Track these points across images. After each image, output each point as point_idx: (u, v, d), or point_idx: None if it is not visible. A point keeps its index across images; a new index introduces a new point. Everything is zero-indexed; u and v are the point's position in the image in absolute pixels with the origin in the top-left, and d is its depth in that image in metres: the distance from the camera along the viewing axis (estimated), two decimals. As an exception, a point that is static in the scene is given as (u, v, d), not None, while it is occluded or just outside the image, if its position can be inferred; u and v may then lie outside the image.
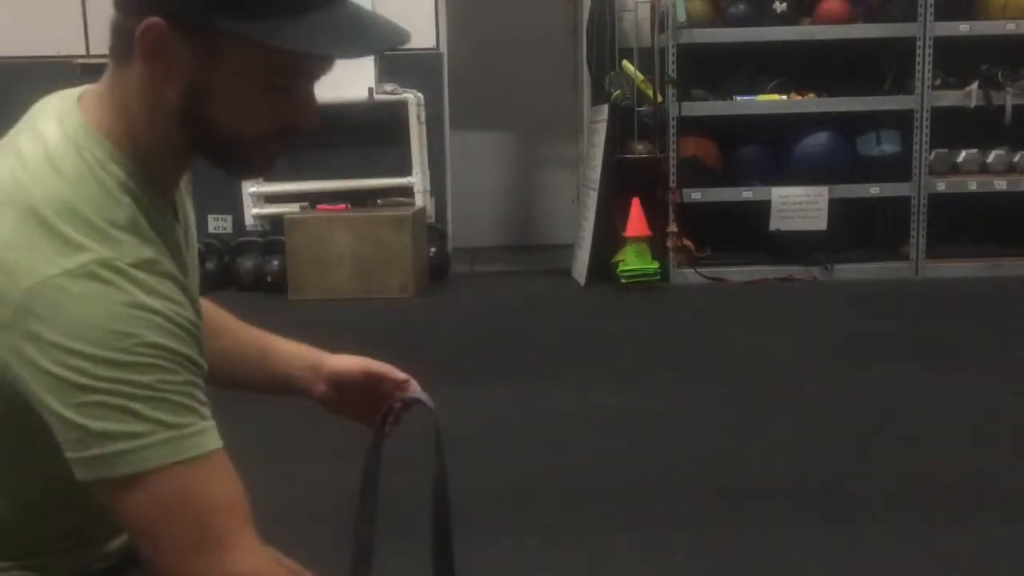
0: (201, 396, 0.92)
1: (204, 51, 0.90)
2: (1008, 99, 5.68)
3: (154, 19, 0.88)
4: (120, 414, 0.85)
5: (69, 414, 0.85)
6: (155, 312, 0.87)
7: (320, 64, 0.95)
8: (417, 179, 6.13)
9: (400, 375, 1.27)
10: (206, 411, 0.92)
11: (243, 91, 0.92)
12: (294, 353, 1.27)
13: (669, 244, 5.78)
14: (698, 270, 5.82)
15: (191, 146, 0.96)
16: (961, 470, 2.79)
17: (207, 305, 1.24)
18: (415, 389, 1.27)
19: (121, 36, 0.92)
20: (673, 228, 5.78)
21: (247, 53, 0.89)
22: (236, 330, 1.27)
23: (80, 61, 6.16)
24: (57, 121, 0.94)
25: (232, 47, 0.89)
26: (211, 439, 0.90)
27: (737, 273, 5.80)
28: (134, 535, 0.91)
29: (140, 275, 0.88)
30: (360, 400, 1.27)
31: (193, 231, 1.11)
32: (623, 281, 5.55)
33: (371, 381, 1.26)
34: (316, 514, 2.46)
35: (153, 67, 0.90)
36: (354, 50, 0.94)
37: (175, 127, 0.93)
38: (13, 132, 0.97)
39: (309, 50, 0.91)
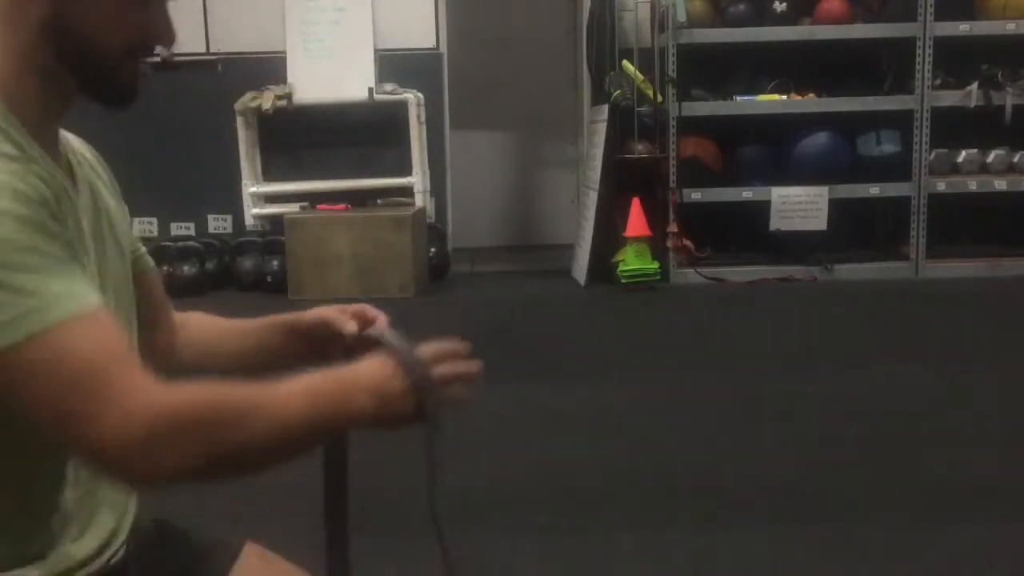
0: (63, 256, 0.89)
1: None
2: (1008, 99, 5.68)
3: None
4: None
5: None
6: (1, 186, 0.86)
7: None
8: (417, 179, 6.13)
9: (351, 324, 1.21)
10: (74, 273, 0.89)
11: (101, 1, 0.93)
12: (272, 320, 1.29)
13: (669, 244, 5.78)
14: (698, 270, 5.82)
15: (58, 66, 0.95)
16: (961, 470, 2.79)
17: (200, 318, 1.29)
18: (381, 325, 1.19)
19: None
20: (673, 228, 5.78)
21: None
22: (217, 323, 1.30)
23: (80, 61, 6.15)
24: None
25: None
26: (82, 299, 0.87)
27: (737, 273, 5.79)
28: (33, 417, 0.87)
29: None
30: (318, 345, 1.25)
31: (117, 217, 1.10)
32: (623, 281, 5.55)
33: (326, 326, 1.23)
34: (317, 512, 2.45)
35: None
36: None
37: (40, 45, 0.93)
38: None
39: None
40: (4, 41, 0.94)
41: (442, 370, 1.07)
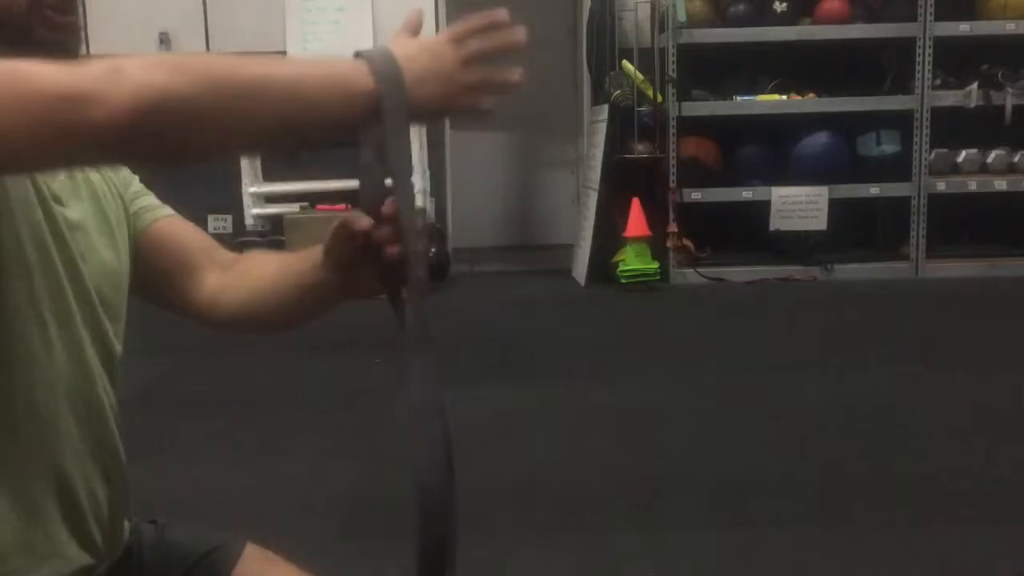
0: None
1: None
2: (1008, 99, 5.68)
3: None
4: None
5: None
6: None
7: None
8: (417, 179, 6.10)
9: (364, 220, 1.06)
10: None
11: None
12: (306, 255, 1.11)
13: (669, 244, 5.78)
14: (698, 270, 5.82)
15: None
16: (961, 470, 2.79)
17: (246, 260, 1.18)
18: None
19: None
20: (673, 228, 5.78)
21: None
22: (264, 263, 1.17)
23: (80, 61, 6.15)
24: None
25: None
26: None
27: (737, 273, 5.80)
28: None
29: None
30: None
31: (90, 187, 1.07)
32: (623, 281, 5.55)
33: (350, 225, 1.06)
34: (317, 513, 2.46)
35: None
36: None
37: None
38: None
39: None
40: None
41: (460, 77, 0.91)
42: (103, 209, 1.07)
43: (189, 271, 1.14)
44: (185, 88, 0.78)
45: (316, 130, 0.88)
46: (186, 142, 0.84)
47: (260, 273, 1.15)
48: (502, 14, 0.97)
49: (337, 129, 0.88)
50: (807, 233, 5.84)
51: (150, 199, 1.16)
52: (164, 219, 1.16)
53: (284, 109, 0.83)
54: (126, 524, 1.10)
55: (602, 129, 5.84)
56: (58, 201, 1.00)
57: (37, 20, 0.93)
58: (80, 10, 0.98)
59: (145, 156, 0.85)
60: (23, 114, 0.74)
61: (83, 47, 0.99)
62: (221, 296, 1.14)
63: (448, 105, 0.94)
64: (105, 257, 1.06)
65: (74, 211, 1.03)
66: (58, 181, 1.02)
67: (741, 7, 5.86)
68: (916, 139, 5.82)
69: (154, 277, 1.14)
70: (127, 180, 1.15)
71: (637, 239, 5.56)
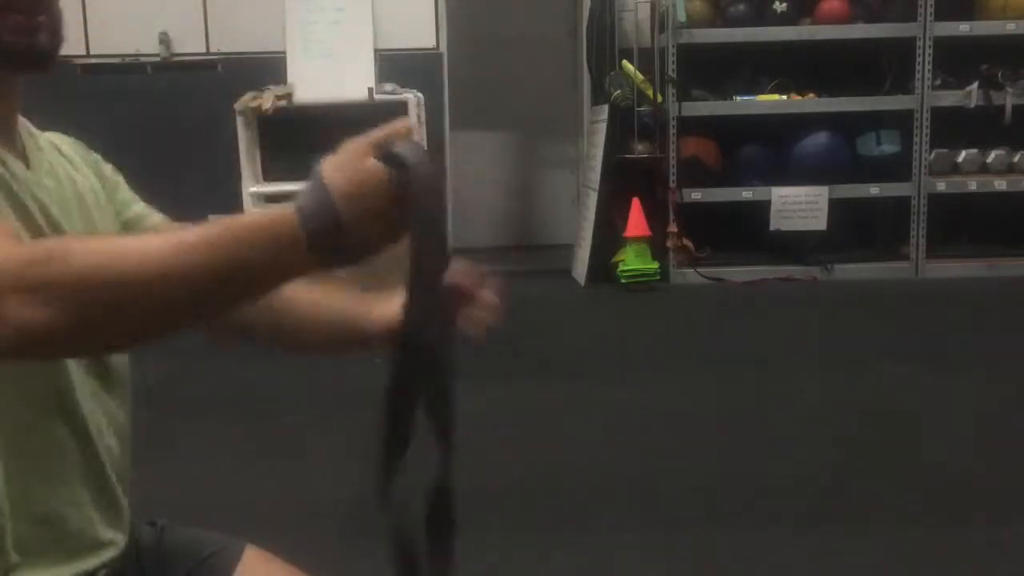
0: None
1: None
2: (1008, 99, 5.68)
3: None
4: None
5: None
6: None
7: None
8: (417, 179, 6.12)
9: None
10: None
11: None
12: (345, 311, 1.21)
13: (669, 244, 5.77)
14: (698, 270, 5.82)
15: None
16: (961, 470, 2.79)
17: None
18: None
19: None
20: (673, 228, 5.78)
21: None
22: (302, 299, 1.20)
23: (80, 61, 6.16)
24: None
25: None
26: None
27: (737, 273, 5.79)
28: None
29: None
30: None
31: (81, 197, 1.08)
32: (623, 281, 5.55)
33: None
34: (317, 514, 2.46)
35: None
36: None
37: None
38: None
39: None
40: None
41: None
42: (95, 225, 1.08)
43: None
44: (68, 317, 0.73)
45: (255, 285, 0.81)
46: (99, 345, 0.81)
47: (300, 298, 1.16)
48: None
49: (283, 275, 0.81)
50: (807, 233, 5.83)
51: (139, 205, 1.17)
52: (160, 225, 1.19)
53: (209, 293, 0.78)
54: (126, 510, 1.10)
55: (602, 129, 5.84)
56: (57, 228, 1.01)
57: (3, 25, 0.93)
58: (53, 7, 0.97)
59: (75, 356, 0.85)
60: None
61: (61, 43, 0.98)
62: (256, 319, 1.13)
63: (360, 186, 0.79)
64: None
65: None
66: (55, 205, 1.02)
67: (741, 7, 5.86)
68: (916, 139, 5.82)
69: None
70: (114, 185, 1.15)
71: (637, 239, 5.56)
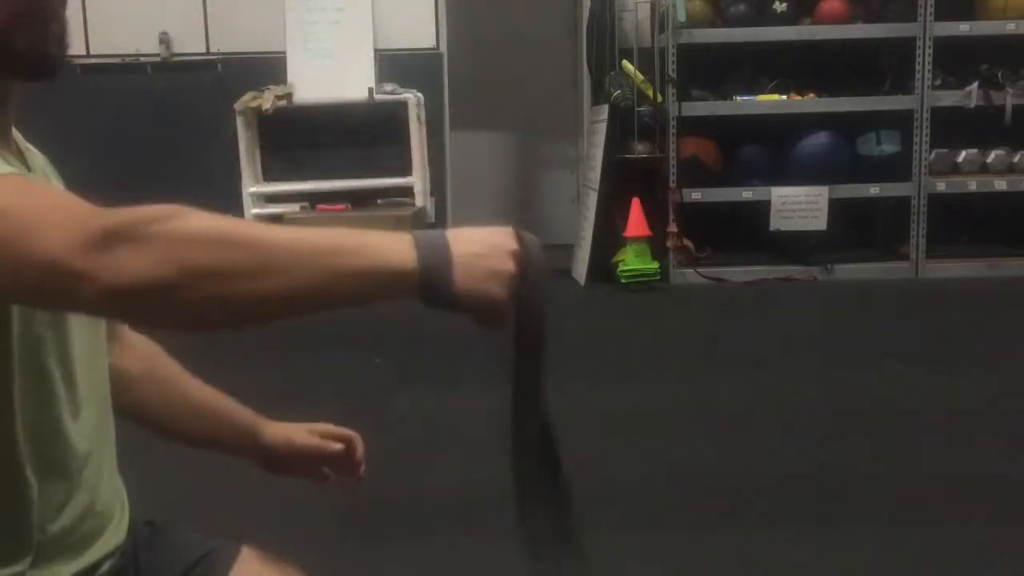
0: None
1: None
2: (1008, 99, 5.68)
3: None
4: None
5: None
6: None
7: None
8: (417, 179, 6.13)
9: (335, 445, 1.23)
10: None
11: None
12: (229, 416, 1.26)
13: (669, 244, 5.77)
14: (698, 270, 5.82)
15: None
16: (961, 470, 2.79)
17: (155, 352, 1.23)
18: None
19: None
20: (673, 228, 5.78)
21: None
22: (174, 383, 1.24)
23: (80, 61, 6.16)
24: None
25: None
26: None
27: (737, 273, 5.79)
28: None
29: None
30: (299, 465, 1.26)
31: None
32: (623, 281, 5.55)
33: (309, 454, 1.25)
34: (317, 513, 2.46)
35: None
36: None
37: None
38: None
39: None
40: None
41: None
42: None
43: (113, 335, 1.15)
44: (180, 280, 0.74)
45: (347, 303, 0.86)
46: (189, 320, 0.78)
47: (186, 397, 1.21)
48: None
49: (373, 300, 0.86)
50: (807, 233, 5.83)
51: None
52: None
53: (308, 296, 0.80)
54: (119, 534, 1.10)
55: (602, 129, 5.84)
56: None
57: (19, 35, 0.93)
58: (62, 15, 0.97)
59: (148, 324, 0.82)
60: (14, 276, 0.75)
61: (68, 51, 0.99)
62: (129, 385, 1.18)
63: (468, 293, 0.85)
64: None
65: None
66: None
67: (741, 7, 5.86)
68: (916, 139, 5.82)
69: None
70: None
71: (637, 239, 5.56)
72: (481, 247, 0.84)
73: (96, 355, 1.06)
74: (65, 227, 0.75)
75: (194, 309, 0.76)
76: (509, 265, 0.85)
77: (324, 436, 1.24)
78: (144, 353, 1.23)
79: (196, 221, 0.76)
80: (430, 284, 0.82)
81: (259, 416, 1.26)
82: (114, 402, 1.11)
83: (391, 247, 0.81)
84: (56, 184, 1.08)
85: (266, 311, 0.79)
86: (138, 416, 1.20)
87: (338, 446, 1.24)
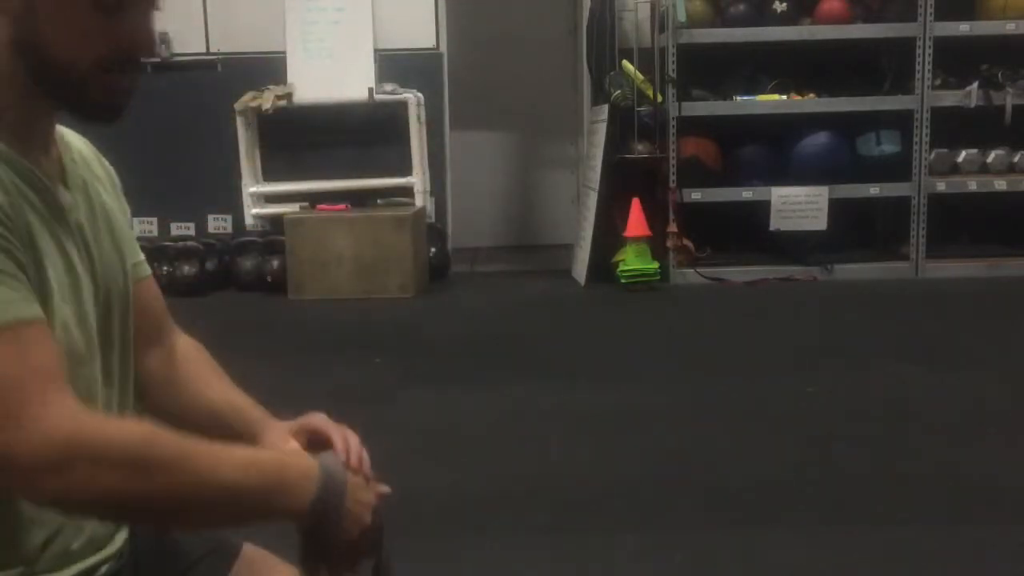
0: (9, 266, 0.87)
1: None
2: (1008, 99, 5.67)
3: None
4: None
5: None
6: None
7: None
8: (417, 179, 6.13)
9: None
10: (15, 282, 0.87)
11: (68, 11, 0.90)
12: (240, 408, 1.24)
13: (669, 244, 5.77)
14: (698, 270, 5.81)
15: (32, 81, 0.93)
16: (961, 470, 2.79)
17: (191, 351, 1.23)
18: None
19: None
20: (673, 228, 5.78)
21: None
22: (201, 376, 1.24)
23: (80, 61, 6.15)
24: None
25: None
26: (17, 309, 0.86)
27: (737, 273, 5.79)
28: None
29: None
30: None
31: (114, 218, 1.09)
32: (623, 281, 5.55)
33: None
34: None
35: None
36: None
37: (12, 62, 0.91)
38: None
39: None
40: None
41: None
42: (120, 251, 1.09)
43: (142, 339, 1.15)
44: (130, 510, 0.89)
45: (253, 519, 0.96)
46: (134, 519, 0.96)
47: (213, 409, 1.21)
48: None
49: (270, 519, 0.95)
50: (807, 233, 5.83)
51: (140, 254, 1.18)
52: (147, 279, 1.18)
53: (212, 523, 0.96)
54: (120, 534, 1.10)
55: (602, 129, 5.84)
56: (91, 252, 1.02)
57: (96, 82, 0.94)
58: (139, 74, 0.98)
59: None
60: None
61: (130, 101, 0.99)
62: (165, 388, 1.19)
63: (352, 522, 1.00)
64: (118, 281, 1.08)
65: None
66: (88, 226, 1.03)
67: (741, 7, 5.86)
68: (916, 139, 5.82)
69: None
70: (127, 216, 1.16)
71: (637, 239, 5.56)
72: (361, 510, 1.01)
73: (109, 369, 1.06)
74: (31, 431, 0.82)
75: (123, 519, 0.97)
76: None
77: (311, 435, 1.20)
78: (180, 355, 1.22)
79: (158, 456, 0.87)
80: (315, 523, 0.96)
81: (270, 418, 1.24)
82: (140, 404, 1.14)
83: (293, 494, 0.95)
84: (103, 194, 1.08)
85: (201, 521, 0.95)
86: (162, 419, 1.20)
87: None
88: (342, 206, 5.83)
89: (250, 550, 1.19)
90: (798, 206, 5.81)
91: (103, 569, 1.04)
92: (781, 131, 5.85)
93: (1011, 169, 5.87)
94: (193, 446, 0.89)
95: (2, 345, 0.84)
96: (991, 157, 5.86)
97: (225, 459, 0.91)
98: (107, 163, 1.15)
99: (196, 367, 1.23)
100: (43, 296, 0.92)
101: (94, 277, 1.02)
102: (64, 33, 0.91)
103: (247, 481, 0.91)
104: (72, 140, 1.09)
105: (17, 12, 0.90)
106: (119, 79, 0.95)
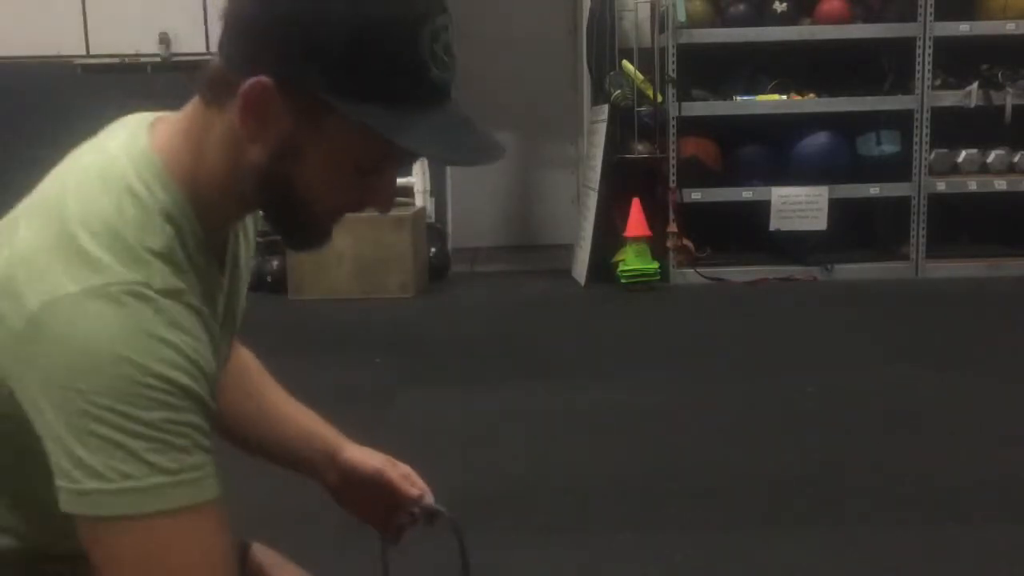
0: (204, 441, 0.87)
1: (307, 121, 0.87)
2: (1008, 99, 5.68)
3: (265, 79, 0.86)
4: (114, 448, 0.80)
5: (65, 437, 0.81)
6: (171, 345, 0.83)
7: (412, 157, 0.95)
8: (417, 179, 6.13)
9: (414, 490, 1.22)
10: (207, 458, 0.87)
11: (332, 168, 0.90)
12: (312, 432, 1.24)
13: (669, 244, 5.78)
14: (698, 270, 5.82)
15: (259, 205, 0.95)
16: (961, 470, 2.79)
17: (247, 360, 1.25)
18: (429, 500, 1.20)
19: (221, 84, 0.90)
20: (673, 228, 5.78)
21: (350, 132, 0.87)
22: (263, 394, 1.26)
23: (80, 61, 6.16)
24: (124, 140, 0.92)
25: (337, 124, 0.87)
26: (206, 489, 0.86)
27: (737, 273, 5.80)
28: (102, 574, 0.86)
29: (164, 303, 0.84)
30: (370, 500, 1.23)
31: (244, 278, 1.09)
32: (623, 281, 5.55)
33: (383, 485, 1.22)
34: (314, 512, 2.45)
35: (248, 123, 0.87)
36: (459, 157, 0.97)
37: (250, 186, 0.91)
38: (86, 145, 0.95)
39: (418, 151, 0.91)
40: (218, 169, 0.92)
41: None
42: (237, 314, 1.11)
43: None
44: None
45: None
46: None
47: (268, 409, 1.24)
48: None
49: None
50: (807, 233, 5.84)
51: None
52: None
53: None
54: None
55: (602, 129, 5.84)
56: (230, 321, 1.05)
57: (325, 224, 0.97)
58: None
59: None
60: None
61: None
62: (228, 410, 1.19)
63: None
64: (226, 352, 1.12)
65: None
66: (235, 300, 1.06)
67: (741, 7, 5.86)
68: (916, 139, 5.82)
69: None
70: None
71: (637, 239, 5.56)
72: None
73: None
74: None
75: None
76: None
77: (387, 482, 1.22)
78: (238, 365, 1.24)
79: None
80: None
81: (342, 436, 1.25)
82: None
83: None
84: (244, 262, 1.08)
85: None
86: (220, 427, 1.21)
87: (415, 491, 1.23)
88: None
89: (257, 550, 1.19)
90: (798, 206, 5.82)
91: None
92: (781, 131, 5.85)
93: (1011, 169, 5.88)
94: None
95: (186, 527, 0.84)
96: (991, 157, 5.86)
97: None
98: (256, 223, 1.14)
99: (262, 377, 1.28)
100: None
101: (217, 353, 1.01)
102: (320, 183, 0.91)
103: None
104: (248, 231, 1.09)
105: (279, 151, 0.89)
106: (337, 222, 0.98)
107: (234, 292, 1.05)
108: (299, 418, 1.24)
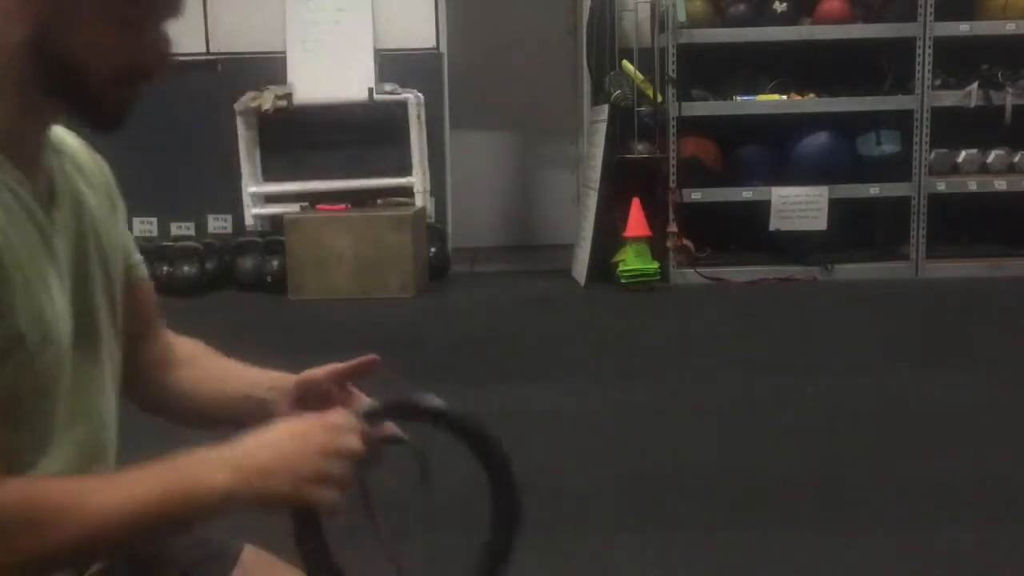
0: None
1: None
2: (1008, 99, 5.68)
3: None
4: None
5: None
6: None
7: (173, 6, 0.97)
8: (417, 179, 6.13)
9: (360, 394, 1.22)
10: None
11: (96, 27, 0.90)
12: (259, 374, 1.25)
13: (669, 244, 5.78)
14: (698, 270, 5.82)
15: (39, 86, 0.92)
16: (961, 470, 2.79)
17: (193, 350, 1.24)
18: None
19: None
20: (673, 228, 5.78)
21: None
22: (215, 373, 1.24)
23: (80, 61, 6.15)
24: None
25: None
26: None
27: (737, 273, 5.79)
28: None
29: None
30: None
31: (108, 231, 1.07)
32: (623, 281, 5.55)
33: (337, 382, 1.25)
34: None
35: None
36: None
37: (21, 62, 0.90)
38: None
39: None
40: None
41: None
42: (107, 264, 1.08)
43: (143, 337, 1.16)
44: (32, 566, 0.84)
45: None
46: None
47: (220, 386, 1.22)
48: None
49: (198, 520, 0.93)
50: (807, 233, 5.84)
51: (136, 253, 1.17)
52: (145, 282, 1.18)
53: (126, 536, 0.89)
54: None
55: (602, 129, 5.84)
56: (78, 272, 1.02)
57: (109, 93, 0.94)
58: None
59: None
60: None
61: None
62: (166, 376, 1.19)
63: (290, 499, 0.94)
64: (106, 299, 1.07)
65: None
66: (75, 245, 1.02)
67: (741, 7, 5.86)
68: (916, 139, 5.82)
69: None
70: (123, 217, 1.15)
71: (637, 239, 5.56)
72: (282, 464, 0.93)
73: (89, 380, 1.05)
74: None
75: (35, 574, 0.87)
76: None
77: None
78: (185, 358, 1.23)
79: (44, 515, 0.84)
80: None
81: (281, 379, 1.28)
82: (137, 397, 1.16)
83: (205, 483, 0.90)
84: (93, 207, 1.06)
85: (108, 552, 0.93)
86: (172, 406, 1.20)
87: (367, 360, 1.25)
88: (342, 206, 5.83)
89: (251, 552, 1.19)
90: (798, 206, 5.82)
91: (93, 568, 1.04)
92: (781, 131, 5.85)
93: (1011, 169, 5.88)
94: (77, 489, 0.87)
95: None
96: (991, 157, 5.86)
97: (112, 491, 0.87)
98: (102, 162, 1.13)
99: (210, 363, 1.25)
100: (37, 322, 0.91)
101: (75, 292, 1.00)
102: (87, 42, 0.91)
103: (145, 503, 0.87)
104: (68, 142, 1.07)
105: (43, 18, 0.89)
106: (129, 92, 0.96)
107: (92, 237, 1.03)
108: (245, 371, 1.26)
